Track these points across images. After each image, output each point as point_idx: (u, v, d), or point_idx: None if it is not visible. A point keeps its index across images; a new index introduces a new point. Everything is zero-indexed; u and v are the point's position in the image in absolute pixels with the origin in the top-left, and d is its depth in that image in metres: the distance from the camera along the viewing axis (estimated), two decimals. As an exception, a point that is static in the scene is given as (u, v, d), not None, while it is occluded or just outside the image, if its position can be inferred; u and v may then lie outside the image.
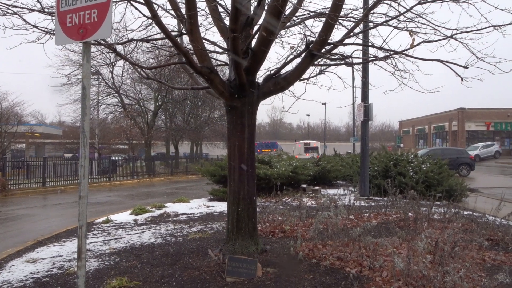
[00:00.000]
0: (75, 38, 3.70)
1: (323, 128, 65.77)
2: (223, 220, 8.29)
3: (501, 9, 4.90)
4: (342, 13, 5.71)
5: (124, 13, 5.85)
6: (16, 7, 5.13)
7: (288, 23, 6.30)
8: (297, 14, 6.36)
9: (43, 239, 7.20)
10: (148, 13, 4.49)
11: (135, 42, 5.91)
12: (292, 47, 6.32)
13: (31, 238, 7.46)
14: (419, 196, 7.40)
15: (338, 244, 5.34)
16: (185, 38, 6.32)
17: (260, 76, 6.03)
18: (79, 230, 3.56)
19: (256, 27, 5.67)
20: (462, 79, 5.43)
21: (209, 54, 5.62)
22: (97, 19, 3.56)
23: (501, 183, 17.80)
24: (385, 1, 5.59)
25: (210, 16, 6.30)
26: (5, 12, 5.12)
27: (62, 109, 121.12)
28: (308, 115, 65.44)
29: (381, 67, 6.33)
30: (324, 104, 50.87)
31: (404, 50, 5.52)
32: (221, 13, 6.05)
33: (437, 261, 3.99)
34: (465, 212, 7.69)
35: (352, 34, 5.83)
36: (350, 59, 6.38)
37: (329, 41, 5.39)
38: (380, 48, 5.83)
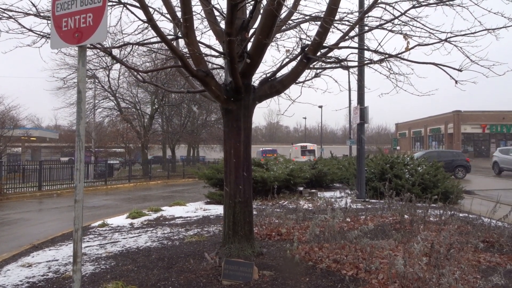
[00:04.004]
0: (71, 42, 3.71)
1: (319, 131, 65.93)
2: (220, 223, 8.28)
3: (494, 13, 4.94)
4: (337, 17, 5.76)
5: (120, 17, 5.86)
6: (11, 11, 5.13)
7: (284, 27, 6.33)
8: (293, 17, 6.40)
9: (38, 243, 7.17)
10: (144, 17, 4.50)
11: (131, 45, 5.91)
12: (287, 51, 6.34)
13: (27, 243, 7.43)
14: (415, 199, 7.42)
15: (334, 246, 5.35)
16: (181, 42, 6.33)
17: (255, 79, 6.05)
18: (75, 234, 3.56)
19: (251, 31, 5.70)
20: (456, 82, 5.48)
21: (205, 58, 5.64)
22: (93, 23, 3.57)
23: (497, 185, 17.89)
24: (380, 5, 5.63)
25: (205, 19, 6.32)
26: (0, 16, 5.12)
27: (58, 112, 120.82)
28: (305, 118, 65.67)
29: (376, 70, 6.37)
30: (320, 107, 51.19)
31: (399, 53, 5.55)
32: (217, 17, 6.07)
33: (432, 263, 4.00)
34: (460, 214, 7.72)
35: (347, 37, 5.86)
36: (346, 62, 6.41)
37: (324, 44, 5.42)
38: (375, 51, 5.86)
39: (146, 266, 5.30)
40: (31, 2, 5.06)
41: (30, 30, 5.24)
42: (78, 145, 3.59)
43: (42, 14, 5.28)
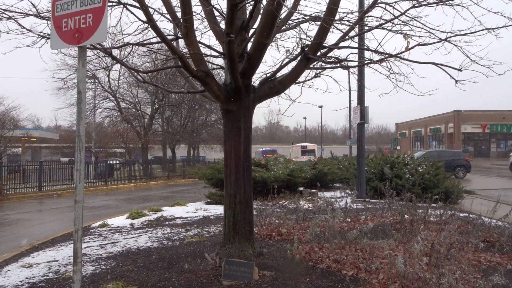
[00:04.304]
0: (71, 43, 3.71)
1: (320, 131, 65.93)
2: (220, 223, 8.28)
3: (494, 12, 4.94)
4: (337, 17, 5.75)
5: (120, 17, 5.86)
6: (11, 11, 5.12)
7: (284, 27, 6.34)
8: (293, 18, 6.40)
9: (39, 244, 7.17)
10: (143, 17, 4.50)
11: (131, 46, 5.91)
12: (287, 51, 6.34)
13: (27, 243, 7.43)
14: (415, 198, 7.42)
15: (334, 246, 5.35)
16: (181, 42, 6.33)
17: (256, 80, 6.05)
18: (75, 234, 3.56)
19: (251, 31, 5.70)
20: (456, 81, 5.47)
21: (205, 58, 5.64)
22: (93, 23, 3.57)
23: (497, 185, 17.87)
24: (379, 5, 5.63)
25: (205, 20, 6.32)
26: (0, 17, 5.11)
27: (58, 113, 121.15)
28: (305, 118, 65.58)
29: (376, 70, 6.37)
30: (320, 107, 51.18)
31: (399, 53, 5.55)
32: (217, 17, 6.07)
33: (433, 263, 4.00)
34: (461, 214, 7.71)
35: (347, 37, 5.86)
36: (346, 62, 6.42)
37: (324, 44, 5.43)
38: (375, 51, 5.86)
39: (146, 266, 5.29)
40: (31, 3, 5.06)
41: (30, 30, 5.24)
42: (78, 146, 3.59)
43: (42, 14, 5.28)
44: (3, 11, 5.09)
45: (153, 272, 5.01)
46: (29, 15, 5.23)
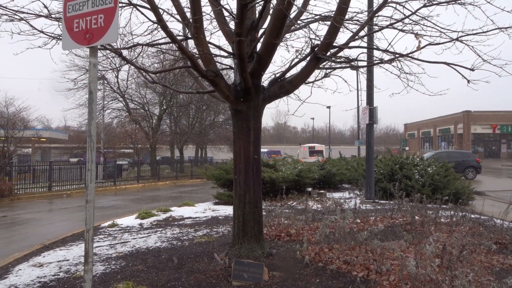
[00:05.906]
0: (82, 43, 3.73)
1: (327, 132, 65.75)
2: (229, 224, 8.28)
3: (508, 11, 4.88)
4: (347, 16, 5.73)
5: (130, 18, 5.91)
6: (23, 12, 5.18)
7: (293, 27, 6.32)
8: (302, 17, 6.39)
9: (49, 243, 7.23)
10: (153, 18, 4.52)
11: (141, 46, 5.94)
12: (297, 51, 6.33)
13: (38, 243, 7.49)
14: (425, 200, 7.34)
15: (344, 247, 5.31)
16: (190, 42, 6.35)
17: (265, 80, 6.05)
18: (86, 234, 3.57)
19: (261, 31, 5.69)
20: (468, 81, 5.41)
21: (214, 58, 5.64)
22: (104, 24, 3.59)
23: (509, 186, 17.65)
24: (390, 4, 5.60)
25: (215, 20, 6.32)
26: (12, 18, 5.17)
27: (67, 113, 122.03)
28: (313, 118, 65.41)
29: (386, 70, 6.33)
30: (328, 107, 50.99)
31: (410, 53, 5.51)
32: (226, 17, 6.08)
33: (445, 265, 3.95)
34: (472, 216, 7.61)
35: (357, 37, 5.83)
36: (355, 62, 6.38)
37: (334, 44, 5.40)
38: (386, 51, 5.82)
39: (156, 266, 5.31)
40: (43, 4, 5.10)
41: (41, 31, 5.28)
42: (89, 146, 3.60)
43: (53, 15, 5.32)
44: (14, 12, 5.15)
45: (162, 272, 5.02)
46: (40, 16, 5.27)
